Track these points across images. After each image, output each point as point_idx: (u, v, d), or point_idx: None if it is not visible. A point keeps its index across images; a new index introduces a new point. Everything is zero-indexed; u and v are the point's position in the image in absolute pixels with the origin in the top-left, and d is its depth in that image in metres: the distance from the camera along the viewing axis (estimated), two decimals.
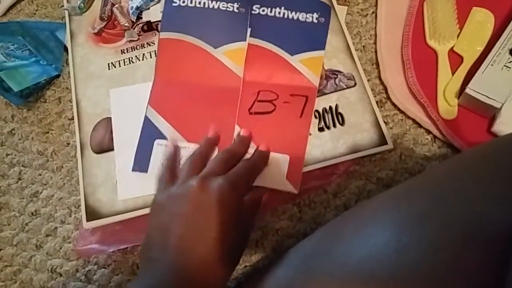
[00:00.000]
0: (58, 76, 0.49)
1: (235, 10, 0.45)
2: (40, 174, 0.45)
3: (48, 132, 0.47)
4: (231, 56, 0.43)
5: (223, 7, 0.45)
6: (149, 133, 0.42)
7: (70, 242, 0.42)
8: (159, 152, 0.41)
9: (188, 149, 0.40)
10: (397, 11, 0.47)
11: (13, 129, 0.47)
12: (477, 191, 0.22)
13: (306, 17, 0.44)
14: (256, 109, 0.42)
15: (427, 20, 0.45)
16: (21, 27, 0.50)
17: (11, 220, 0.44)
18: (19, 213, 0.44)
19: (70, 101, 0.47)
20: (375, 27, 0.47)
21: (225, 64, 0.43)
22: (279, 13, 0.44)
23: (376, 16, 0.48)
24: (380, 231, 0.25)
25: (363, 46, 0.47)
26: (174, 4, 0.45)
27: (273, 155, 0.40)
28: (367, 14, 0.48)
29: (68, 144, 0.46)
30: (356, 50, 0.45)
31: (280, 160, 0.39)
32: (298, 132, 0.41)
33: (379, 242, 0.24)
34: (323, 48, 0.44)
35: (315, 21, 0.44)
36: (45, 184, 0.45)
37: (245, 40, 0.44)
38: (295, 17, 0.44)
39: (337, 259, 0.26)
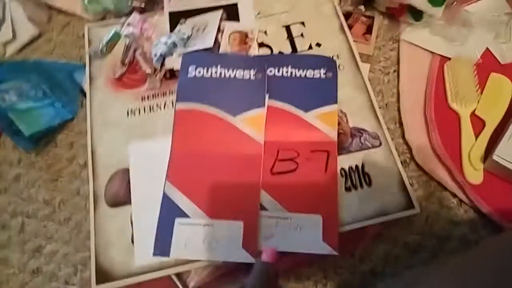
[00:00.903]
0: (71, 119, 0.47)
1: (252, 77, 0.44)
2: (45, 226, 0.42)
3: (57, 180, 0.44)
4: (251, 123, 0.42)
5: (239, 75, 0.44)
6: (169, 211, 0.39)
7: None
8: (180, 232, 0.38)
9: (211, 227, 0.38)
10: (418, 71, 0.48)
11: (19, 174, 0.45)
12: None
13: (314, 74, 0.45)
14: (278, 168, 0.40)
15: (448, 82, 0.46)
16: (36, 66, 0.49)
17: (10, 278, 0.40)
18: (18, 271, 0.40)
19: (83, 146, 0.45)
20: (398, 85, 0.48)
21: (244, 132, 0.42)
22: (287, 72, 0.45)
23: (398, 74, 0.49)
24: None
25: (386, 104, 0.47)
26: (189, 76, 0.45)
27: (304, 216, 0.38)
28: (389, 72, 0.49)
29: (79, 193, 0.43)
30: (379, 107, 0.46)
31: (312, 221, 0.38)
32: (327, 188, 0.39)
33: None
34: (336, 102, 0.43)
35: (322, 76, 0.45)
36: (50, 238, 0.42)
37: (264, 106, 0.43)
38: (303, 75, 0.45)
39: None
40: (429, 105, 0.46)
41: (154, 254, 0.37)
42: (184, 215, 0.38)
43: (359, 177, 0.41)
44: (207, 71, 0.45)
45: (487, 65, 0.47)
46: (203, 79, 0.44)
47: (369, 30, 0.51)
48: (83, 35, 0.49)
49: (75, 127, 0.47)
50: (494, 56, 0.48)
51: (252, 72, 0.44)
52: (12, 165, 0.45)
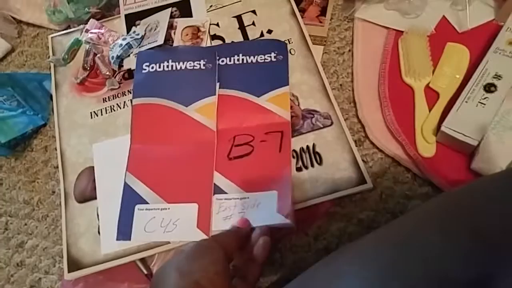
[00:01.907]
0: (44, 125, 0.52)
1: (202, 67, 0.47)
2: (25, 224, 0.47)
3: (34, 181, 0.49)
4: (203, 111, 0.45)
5: (190, 66, 0.48)
6: (130, 200, 0.43)
7: None
8: (140, 218, 0.42)
9: (168, 210, 0.41)
10: (373, 49, 0.49)
11: (1, 179, 0.50)
12: (443, 247, 0.23)
13: (265, 58, 0.47)
14: (234, 153, 0.43)
15: (402, 57, 0.47)
16: (10, 79, 0.53)
17: None
18: (5, 264, 0.45)
19: (56, 149, 0.49)
20: (352, 65, 0.49)
21: (197, 120, 0.45)
22: (238, 60, 0.47)
23: (352, 54, 0.50)
24: (348, 286, 0.26)
25: (340, 85, 0.48)
26: (143, 71, 0.48)
27: (261, 194, 0.40)
28: (343, 53, 0.50)
29: (54, 192, 0.48)
30: (333, 89, 0.47)
31: (268, 197, 0.40)
32: (281, 165, 0.42)
33: None
34: (287, 84, 0.45)
35: (273, 60, 0.47)
36: (31, 234, 0.46)
37: (215, 94, 0.46)
38: (254, 61, 0.47)
39: None
40: (383, 81, 0.46)
41: (117, 239, 0.41)
42: (144, 201, 0.42)
43: (310, 156, 0.43)
44: (160, 66, 0.48)
45: (444, 34, 0.47)
46: (156, 73, 0.48)
47: (323, 12, 0.52)
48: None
49: (48, 132, 0.51)
50: (451, 25, 0.48)
51: (202, 62, 0.48)
52: None
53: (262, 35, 0.49)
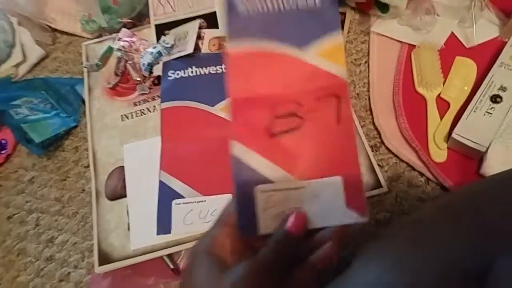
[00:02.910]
0: (76, 126, 0.56)
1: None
2: (56, 220, 0.50)
3: (65, 180, 0.53)
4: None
5: (213, 71, 0.53)
6: (166, 196, 0.46)
7: (82, 287, 0.46)
8: (178, 211, 0.46)
9: (205, 202, 0.45)
10: (388, 61, 0.53)
11: (33, 177, 0.53)
12: (455, 242, 0.27)
13: (307, 2, 0.35)
14: (277, 128, 0.33)
15: (415, 69, 0.51)
16: (44, 83, 0.58)
17: (28, 265, 0.48)
18: (35, 259, 0.49)
19: (87, 150, 0.53)
20: (368, 76, 0.53)
21: (223, 117, 0.49)
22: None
23: (368, 66, 0.54)
24: (370, 272, 0.29)
25: (357, 94, 0.52)
26: (169, 78, 0.53)
27: (320, 182, 0.32)
28: (360, 64, 0.55)
29: (84, 190, 0.51)
30: (350, 98, 0.51)
31: (331, 186, 0.32)
32: (343, 142, 0.33)
33: (370, 282, 0.28)
34: (339, 29, 0.34)
35: (318, 3, 0.35)
36: (61, 230, 0.50)
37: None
38: (293, 6, 0.35)
39: None
40: (397, 91, 0.50)
41: (158, 233, 0.45)
42: (180, 196, 0.46)
43: None
44: (184, 72, 0.53)
45: (452, 49, 0.52)
46: (182, 79, 0.53)
47: (341, 25, 0.56)
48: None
49: (79, 133, 0.55)
50: (459, 40, 0.52)
51: (224, 66, 0.52)
52: (28, 169, 0.54)
53: None
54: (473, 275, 0.24)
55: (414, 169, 0.47)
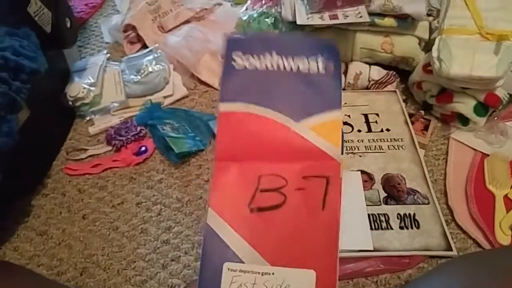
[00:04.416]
0: (202, 150, 0.75)
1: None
2: (175, 214, 0.66)
3: (187, 186, 0.70)
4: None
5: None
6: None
7: (189, 270, 0.59)
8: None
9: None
10: (463, 161, 0.71)
11: (162, 179, 0.72)
12: None
13: (309, 66, 0.36)
14: (258, 202, 0.33)
15: (487, 171, 0.68)
16: (185, 113, 0.80)
17: (147, 242, 0.63)
18: (154, 239, 0.63)
19: (208, 168, 0.71)
20: (445, 169, 0.70)
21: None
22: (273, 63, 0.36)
23: (446, 161, 0.71)
24: None
25: (435, 180, 0.69)
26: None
27: (292, 271, 0.32)
28: (439, 159, 0.73)
29: (201, 197, 0.68)
30: (430, 181, 0.68)
31: (303, 278, 0.32)
32: (324, 232, 0.32)
33: None
34: (340, 107, 0.35)
35: (321, 69, 0.36)
36: (178, 223, 0.65)
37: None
38: (293, 67, 0.36)
39: None
40: (470, 184, 0.67)
41: None
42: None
43: (411, 221, 0.61)
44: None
45: None
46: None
47: (426, 128, 0.76)
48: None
49: (204, 156, 0.74)
50: None
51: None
52: (158, 172, 0.72)
53: (382, 131, 0.73)
54: None
55: (480, 246, 0.60)
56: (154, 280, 0.59)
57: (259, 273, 0.32)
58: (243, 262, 0.32)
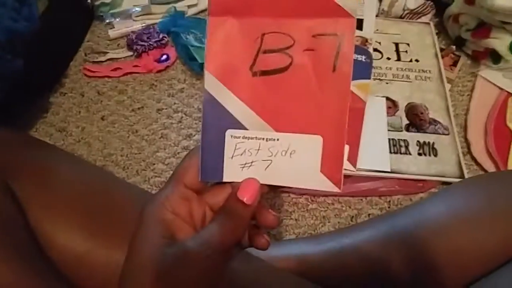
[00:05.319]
0: None
1: (363, 60, 0.70)
2: (196, 123, 0.69)
3: None
4: (359, 88, 0.65)
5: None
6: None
7: None
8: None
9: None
10: (487, 98, 0.74)
11: (183, 88, 0.74)
12: None
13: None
14: (262, 65, 0.31)
15: (509, 109, 0.71)
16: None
17: (167, 147, 0.67)
18: (174, 144, 0.67)
19: None
20: (468, 104, 0.73)
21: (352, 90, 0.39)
22: None
23: (470, 97, 0.74)
24: None
25: (457, 114, 0.72)
26: None
27: (298, 137, 0.31)
28: (463, 95, 0.75)
29: None
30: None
31: (309, 144, 0.31)
32: (334, 96, 0.31)
33: None
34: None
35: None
36: (199, 131, 0.68)
37: (370, 78, 0.67)
38: None
39: None
40: (490, 120, 0.70)
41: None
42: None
43: (429, 149, 0.65)
44: None
45: None
46: None
47: (454, 63, 0.78)
48: None
49: None
50: None
51: (363, 57, 0.70)
52: (179, 82, 0.74)
53: (411, 61, 0.74)
54: None
55: None
56: None
57: (263, 139, 0.31)
58: (246, 129, 0.31)
